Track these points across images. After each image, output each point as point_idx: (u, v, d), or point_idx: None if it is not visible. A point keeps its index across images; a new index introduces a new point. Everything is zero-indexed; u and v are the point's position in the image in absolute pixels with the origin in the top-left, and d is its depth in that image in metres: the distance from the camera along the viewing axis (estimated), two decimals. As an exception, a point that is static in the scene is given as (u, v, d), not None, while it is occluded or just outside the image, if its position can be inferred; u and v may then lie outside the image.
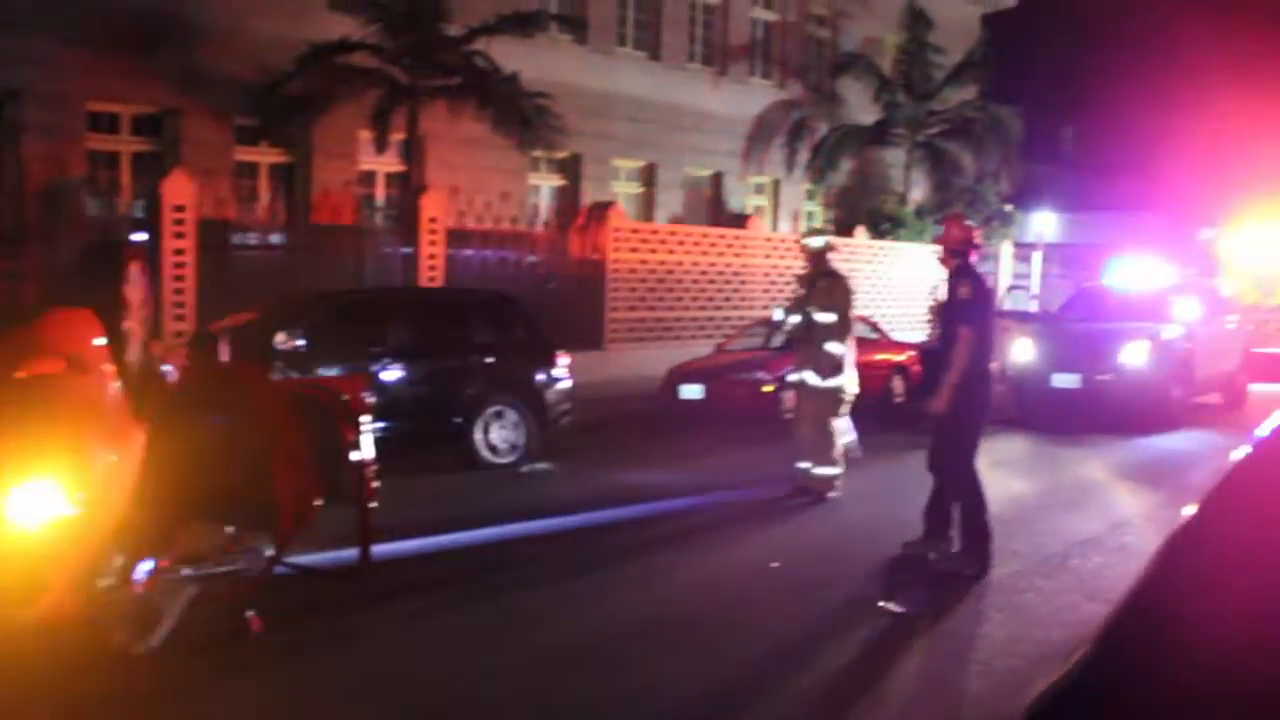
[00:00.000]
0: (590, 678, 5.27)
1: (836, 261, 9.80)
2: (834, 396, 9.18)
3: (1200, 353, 14.45)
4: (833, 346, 9.14)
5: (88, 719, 4.82)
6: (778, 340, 13.70)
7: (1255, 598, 2.05)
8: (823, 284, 9.31)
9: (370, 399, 6.82)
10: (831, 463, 9.17)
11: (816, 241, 9.57)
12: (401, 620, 6.18)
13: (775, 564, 7.29)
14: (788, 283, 19.67)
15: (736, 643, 5.78)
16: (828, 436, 9.15)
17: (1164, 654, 2.01)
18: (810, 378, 9.19)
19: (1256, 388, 16.22)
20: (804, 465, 9.27)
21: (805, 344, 9.30)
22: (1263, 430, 2.56)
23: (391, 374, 10.04)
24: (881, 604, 6.37)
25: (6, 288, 11.48)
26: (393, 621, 6.15)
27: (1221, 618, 2.02)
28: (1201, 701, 1.92)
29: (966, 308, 7.23)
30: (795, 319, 9.39)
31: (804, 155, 24.92)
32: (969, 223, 7.85)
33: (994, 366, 9.23)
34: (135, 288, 5.76)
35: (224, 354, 8.32)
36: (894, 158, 26.11)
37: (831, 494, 9.13)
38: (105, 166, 16.22)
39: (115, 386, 5.46)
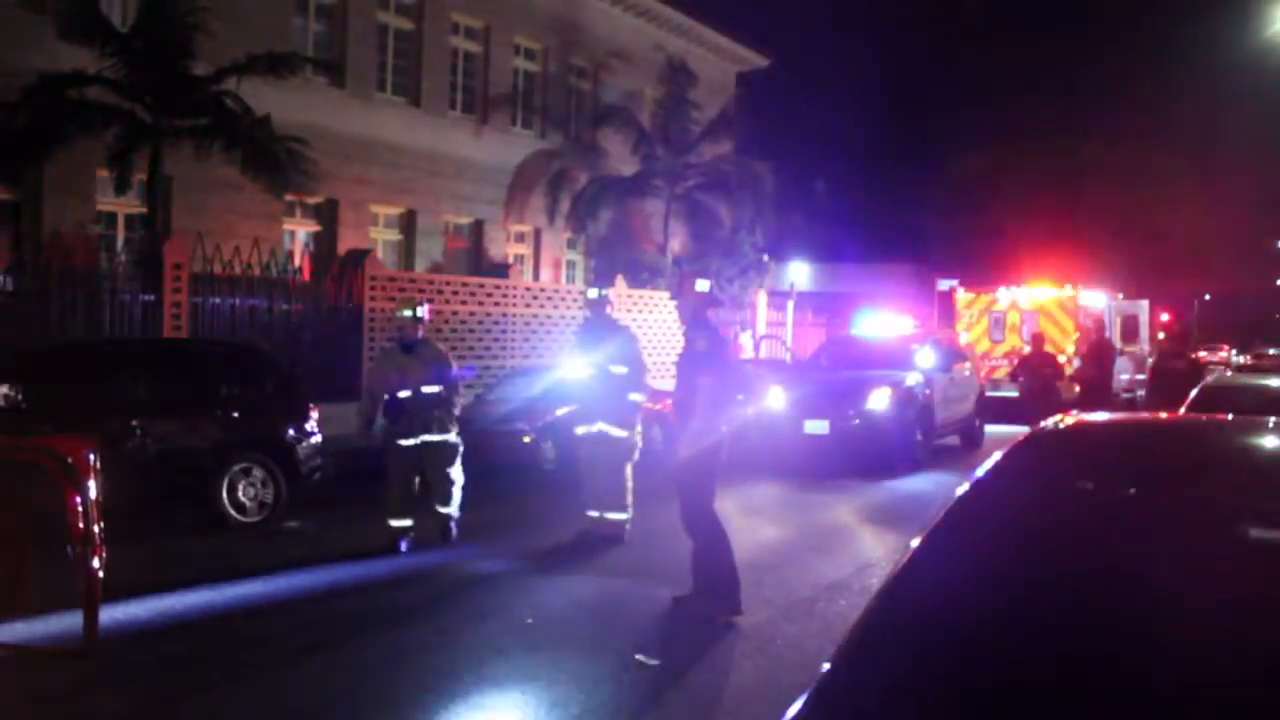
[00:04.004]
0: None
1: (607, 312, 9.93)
2: (630, 445, 9.40)
3: (939, 398, 15.32)
4: (635, 397, 9.43)
5: None
6: (538, 391, 13.69)
7: (965, 613, 2.30)
8: (610, 336, 9.53)
9: (96, 460, 6.35)
10: (624, 508, 9.41)
11: (594, 292, 9.77)
12: (133, 709, 5.65)
13: (529, 620, 7.19)
14: (548, 332, 19.80)
15: (489, 703, 5.65)
16: (622, 483, 9.37)
17: (890, 665, 2.24)
18: (610, 428, 9.37)
19: (991, 429, 17.31)
20: (594, 513, 9.47)
21: (601, 395, 9.39)
22: (980, 470, 2.77)
23: (127, 431, 9.42)
24: (637, 657, 6.36)
25: None
26: (123, 711, 5.62)
27: (937, 630, 2.27)
28: (920, 705, 2.12)
29: (706, 359, 7.42)
30: (587, 371, 9.47)
31: (565, 205, 25.19)
32: (708, 277, 8.12)
33: (748, 413, 9.52)
34: None
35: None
36: (653, 208, 26.71)
37: (620, 539, 9.34)
38: None
39: None
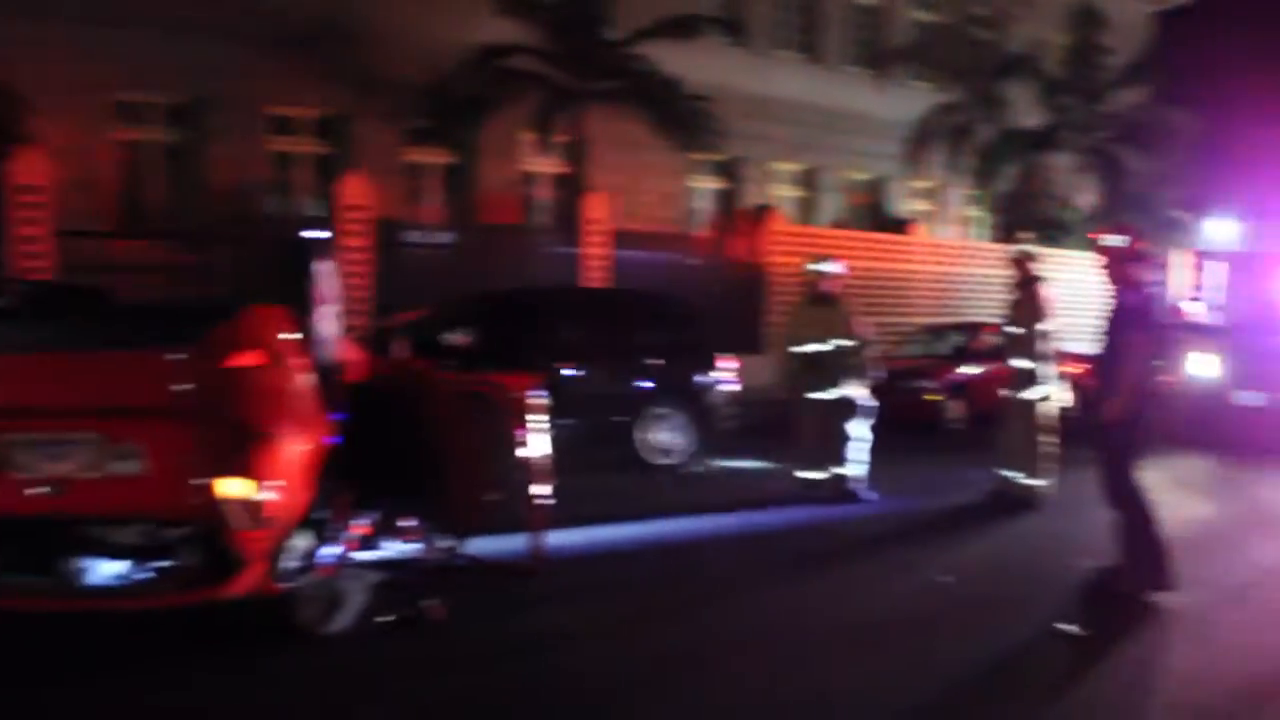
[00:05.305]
0: (769, 690, 5.20)
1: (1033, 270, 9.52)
2: (1043, 408, 9.10)
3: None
4: (1016, 361, 9.16)
5: (273, 696, 4.97)
6: (943, 348, 13.46)
7: None
8: (1018, 296, 9.32)
9: (540, 396, 6.90)
10: (1038, 473, 9.13)
11: (1012, 250, 9.56)
12: (577, 623, 6.10)
13: (948, 579, 7.11)
14: (953, 289, 19.36)
15: (895, 655, 5.64)
16: (1035, 447, 9.09)
17: None
18: (1027, 390, 9.14)
19: None
20: (1007, 474, 9.25)
21: (1023, 356, 9.20)
22: None
23: (559, 372, 10.15)
24: (1058, 626, 6.14)
25: (197, 284, 12.07)
26: (572, 624, 6.06)
27: None
28: None
29: (1134, 318, 6.95)
30: (1016, 331, 9.30)
31: (967, 160, 24.35)
32: (1134, 231, 7.56)
33: (1168, 381, 8.88)
34: (326, 285, 5.94)
35: (400, 350, 8.53)
36: (1061, 162, 25.31)
37: (1034, 505, 9.09)
38: (284, 168, 16.93)
39: (306, 379, 5.64)
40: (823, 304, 9.51)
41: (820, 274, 9.53)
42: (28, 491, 5.11)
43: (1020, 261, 9.34)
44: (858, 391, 9.40)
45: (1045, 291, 9.24)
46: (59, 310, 6.26)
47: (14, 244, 11.87)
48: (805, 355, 9.33)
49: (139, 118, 16.28)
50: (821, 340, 9.32)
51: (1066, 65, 25.18)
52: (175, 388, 5.19)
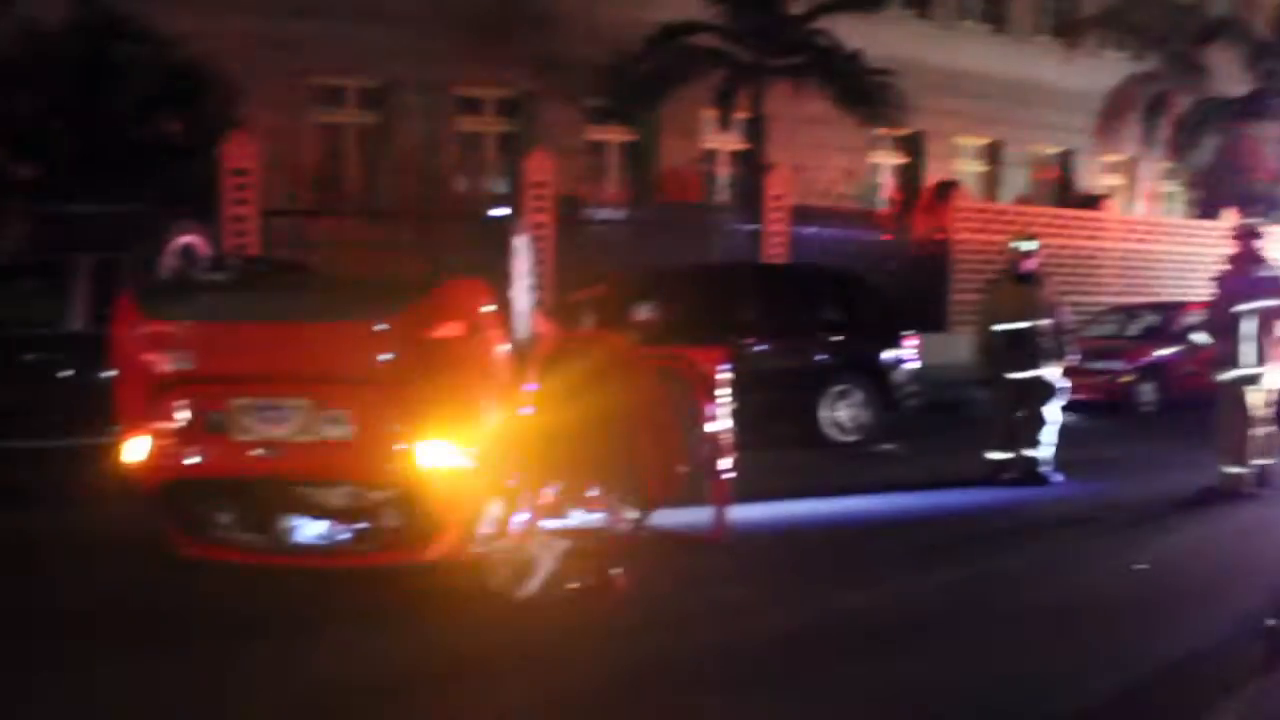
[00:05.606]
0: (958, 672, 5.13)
1: (1232, 247, 9.03)
2: (1246, 392, 8.64)
3: None
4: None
5: (459, 657, 5.12)
6: (1136, 329, 12.97)
7: None
8: (1227, 271, 8.91)
9: (727, 371, 6.96)
10: (1239, 462, 8.69)
11: (1236, 225, 9.18)
12: (758, 597, 6.07)
13: (1143, 565, 6.86)
14: (1146, 267, 18.58)
15: (1093, 647, 5.39)
16: (1239, 433, 8.67)
17: None
18: (1256, 371, 8.68)
19: None
20: (1233, 469, 8.80)
21: (1249, 338, 8.72)
22: None
23: (743, 347, 10.16)
24: (1268, 621, 5.84)
25: (392, 260, 12.56)
26: (751, 597, 6.04)
27: None
28: None
29: None
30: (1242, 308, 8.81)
31: (1163, 131, 23.23)
32: None
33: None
34: (521, 259, 6.11)
35: (588, 324, 8.72)
36: (1269, 132, 23.91)
37: (1240, 494, 8.65)
38: (471, 147, 17.45)
39: (503, 350, 5.82)
40: (1023, 283, 9.27)
41: (1021, 252, 9.30)
42: (249, 454, 5.45)
43: (1243, 237, 8.88)
44: (1054, 372, 9.14)
45: (1269, 270, 8.76)
46: (274, 283, 6.63)
47: (225, 223, 12.57)
48: (1004, 334, 9.12)
49: (336, 101, 17.03)
50: (1021, 319, 9.11)
51: (1277, 27, 23.73)
52: (381, 357, 5.44)
